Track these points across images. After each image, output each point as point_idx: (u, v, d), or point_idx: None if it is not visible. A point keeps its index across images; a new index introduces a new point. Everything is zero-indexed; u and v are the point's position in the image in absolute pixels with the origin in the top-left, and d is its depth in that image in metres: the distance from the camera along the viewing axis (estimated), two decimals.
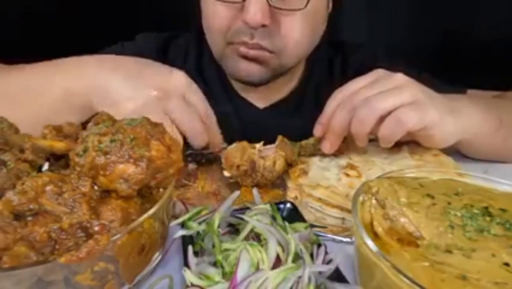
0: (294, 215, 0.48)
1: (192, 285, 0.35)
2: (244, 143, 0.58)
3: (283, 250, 0.38)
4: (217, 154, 0.62)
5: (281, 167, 0.58)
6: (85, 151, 0.37)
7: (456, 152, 0.68)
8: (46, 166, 0.42)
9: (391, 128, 0.54)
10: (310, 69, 0.88)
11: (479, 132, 0.63)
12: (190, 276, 0.36)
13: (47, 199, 0.34)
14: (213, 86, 0.85)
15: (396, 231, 0.39)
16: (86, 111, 0.55)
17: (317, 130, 0.61)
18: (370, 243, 0.35)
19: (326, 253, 0.39)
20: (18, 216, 0.34)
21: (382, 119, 0.54)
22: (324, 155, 0.62)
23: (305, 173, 0.58)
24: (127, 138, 0.37)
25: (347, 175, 0.56)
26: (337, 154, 0.62)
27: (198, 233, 0.42)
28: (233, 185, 0.59)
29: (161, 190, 0.41)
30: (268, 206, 0.45)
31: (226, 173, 0.59)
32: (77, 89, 0.55)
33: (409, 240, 0.38)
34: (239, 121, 0.83)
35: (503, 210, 0.40)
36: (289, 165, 0.59)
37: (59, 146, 0.42)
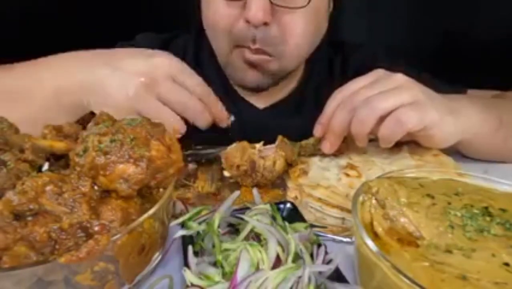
0: (294, 215, 0.48)
1: (192, 285, 0.35)
2: (244, 143, 0.58)
3: (283, 250, 0.38)
4: (217, 153, 0.62)
5: (281, 167, 0.58)
6: (85, 151, 0.37)
7: (456, 152, 0.68)
8: (46, 166, 0.42)
9: (391, 129, 0.54)
10: (310, 70, 0.88)
11: (479, 132, 0.63)
12: (190, 276, 0.36)
13: (47, 199, 0.34)
14: (213, 86, 0.85)
15: (396, 231, 0.39)
16: (78, 109, 0.55)
17: (317, 131, 0.61)
18: (370, 243, 0.35)
19: (326, 253, 0.39)
20: (18, 216, 0.34)
21: (382, 119, 0.54)
22: (324, 155, 0.62)
23: (305, 173, 0.58)
24: (127, 138, 0.37)
25: (347, 175, 0.56)
26: (337, 154, 0.62)
27: (198, 233, 0.42)
28: (233, 185, 0.59)
29: (161, 190, 0.41)
30: (268, 206, 0.45)
31: (226, 173, 0.59)
32: (67, 87, 0.55)
33: (409, 240, 0.38)
34: (239, 121, 0.83)
35: (503, 210, 0.40)
36: (289, 165, 0.59)
37: (59, 146, 0.42)
